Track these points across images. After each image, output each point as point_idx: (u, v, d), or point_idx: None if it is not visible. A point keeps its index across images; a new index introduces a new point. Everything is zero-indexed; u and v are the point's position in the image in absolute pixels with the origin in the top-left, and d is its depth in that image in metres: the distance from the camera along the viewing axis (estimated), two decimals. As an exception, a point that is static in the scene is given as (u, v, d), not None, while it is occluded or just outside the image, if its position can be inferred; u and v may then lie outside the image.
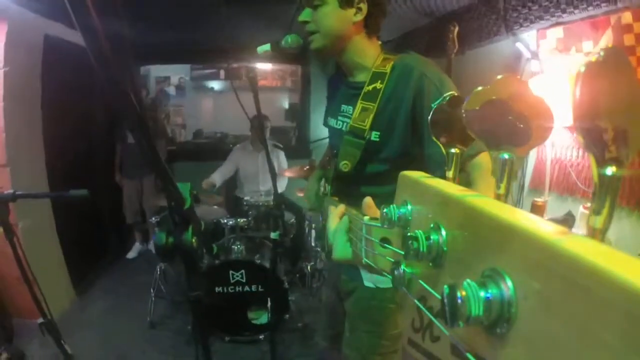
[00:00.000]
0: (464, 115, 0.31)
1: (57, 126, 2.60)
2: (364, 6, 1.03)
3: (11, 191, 1.19)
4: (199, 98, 5.75)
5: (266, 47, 1.16)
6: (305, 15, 1.07)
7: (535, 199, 1.90)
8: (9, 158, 2.15)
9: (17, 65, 2.15)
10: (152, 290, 2.70)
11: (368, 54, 1.10)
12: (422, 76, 0.98)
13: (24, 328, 2.22)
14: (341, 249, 0.60)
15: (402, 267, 0.34)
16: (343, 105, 1.15)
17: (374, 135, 1.04)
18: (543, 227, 0.21)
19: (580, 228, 1.72)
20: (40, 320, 1.29)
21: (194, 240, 0.76)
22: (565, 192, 1.87)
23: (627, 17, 1.46)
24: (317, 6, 1.04)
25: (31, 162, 2.39)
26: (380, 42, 1.14)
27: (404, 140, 1.03)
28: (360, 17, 1.04)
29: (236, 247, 2.54)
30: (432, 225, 0.30)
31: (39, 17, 2.18)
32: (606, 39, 1.54)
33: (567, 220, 1.81)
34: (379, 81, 1.04)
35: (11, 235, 1.19)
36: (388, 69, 1.04)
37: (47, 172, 2.47)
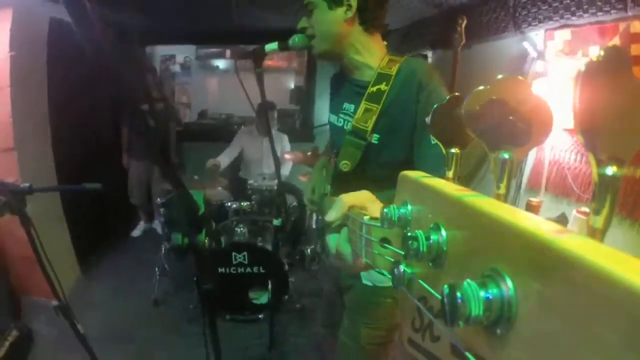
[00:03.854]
0: (463, 115, 0.31)
1: (64, 109, 2.61)
2: (353, 2, 1.03)
3: (27, 184, 1.22)
4: (204, 78, 5.63)
5: (274, 45, 1.19)
6: (302, 22, 1.10)
7: (531, 199, 1.93)
8: (17, 142, 2.17)
9: (23, 49, 2.15)
10: (156, 269, 2.78)
11: (371, 51, 1.09)
12: (423, 85, 1.00)
13: (32, 305, 2.28)
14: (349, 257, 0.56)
15: (402, 267, 0.34)
16: (345, 103, 1.16)
17: (375, 138, 1.05)
18: (543, 227, 0.21)
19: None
20: (55, 303, 1.33)
21: (206, 241, 0.83)
22: (560, 194, 1.90)
23: (636, 26, 1.43)
24: (311, 11, 1.06)
25: (38, 145, 2.42)
26: (385, 43, 1.13)
27: (406, 146, 1.04)
28: (350, 13, 1.03)
29: (239, 230, 2.61)
30: (432, 225, 0.30)
31: (43, 0, 2.16)
32: (613, 47, 1.52)
33: (560, 222, 1.85)
34: (384, 83, 1.04)
35: (28, 226, 1.21)
36: (393, 71, 1.04)
37: (54, 155, 2.50)
